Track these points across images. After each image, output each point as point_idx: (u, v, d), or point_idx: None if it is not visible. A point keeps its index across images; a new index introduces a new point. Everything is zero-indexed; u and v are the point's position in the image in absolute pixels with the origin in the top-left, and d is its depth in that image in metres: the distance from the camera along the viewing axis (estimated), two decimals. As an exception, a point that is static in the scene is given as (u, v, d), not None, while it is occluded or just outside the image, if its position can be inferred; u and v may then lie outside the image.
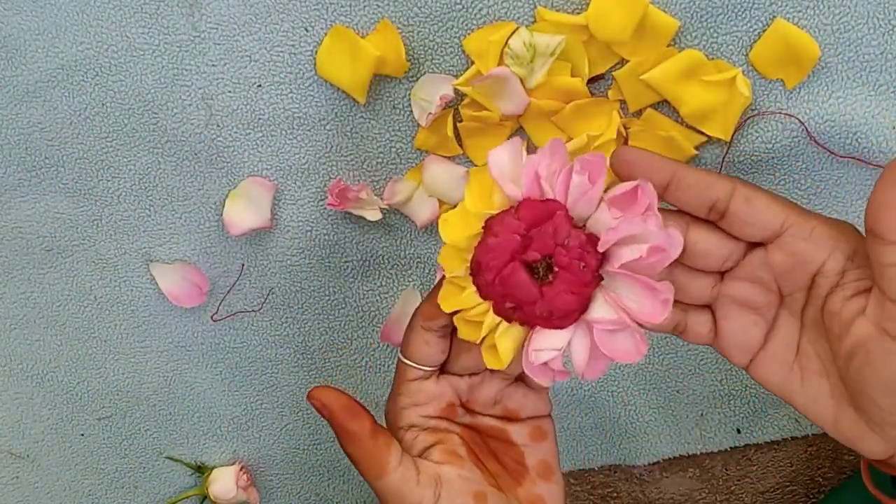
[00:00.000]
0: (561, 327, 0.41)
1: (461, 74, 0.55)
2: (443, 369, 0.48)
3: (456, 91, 0.55)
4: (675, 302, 0.43)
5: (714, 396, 0.64)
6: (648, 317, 0.39)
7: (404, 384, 0.47)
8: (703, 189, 0.41)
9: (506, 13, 0.54)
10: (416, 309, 0.46)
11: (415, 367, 0.46)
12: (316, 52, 0.56)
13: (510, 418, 0.48)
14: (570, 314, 0.40)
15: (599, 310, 0.40)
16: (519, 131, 0.57)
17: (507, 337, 0.42)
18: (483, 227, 0.41)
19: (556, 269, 0.40)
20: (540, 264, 0.40)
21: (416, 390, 0.47)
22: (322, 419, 0.65)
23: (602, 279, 0.40)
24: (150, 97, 0.57)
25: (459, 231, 0.41)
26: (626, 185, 0.39)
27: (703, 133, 0.56)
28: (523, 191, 0.40)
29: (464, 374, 0.47)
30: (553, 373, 0.41)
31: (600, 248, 0.39)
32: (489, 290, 0.41)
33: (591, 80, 0.56)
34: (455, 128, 0.57)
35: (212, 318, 0.62)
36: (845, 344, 0.40)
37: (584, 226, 0.41)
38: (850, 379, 0.40)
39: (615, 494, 0.67)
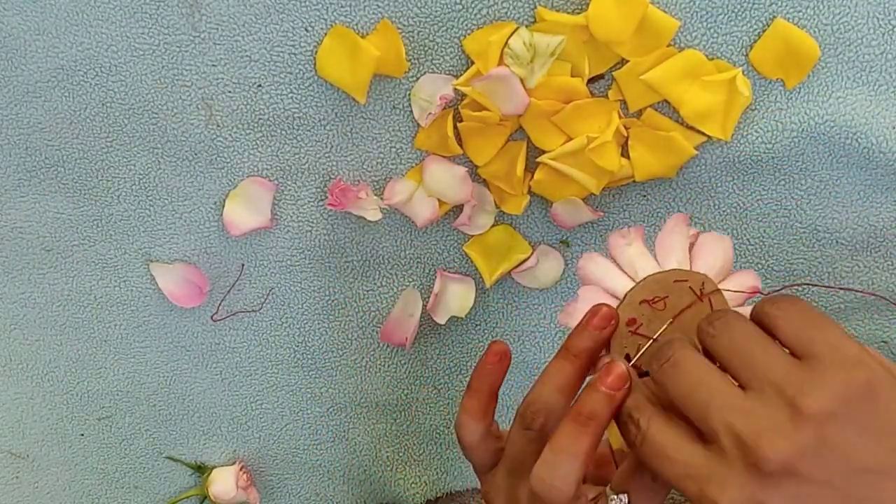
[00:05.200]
0: None
1: (461, 74, 0.55)
2: None
3: (456, 91, 0.55)
4: None
5: (714, 396, 0.64)
6: None
7: None
8: None
9: (506, 13, 0.54)
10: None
11: None
12: (316, 52, 0.56)
13: None
14: None
15: None
16: (519, 131, 0.57)
17: None
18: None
19: None
20: None
21: None
22: (321, 419, 0.65)
23: None
24: (150, 97, 0.57)
25: None
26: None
27: (703, 133, 0.56)
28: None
29: None
30: None
31: None
32: None
33: (591, 80, 0.56)
34: (455, 128, 0.57)
35: (212, 318, 0.62)
36: None
37: None
38: None
39: (615, 494, 0.67)
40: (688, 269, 0.44)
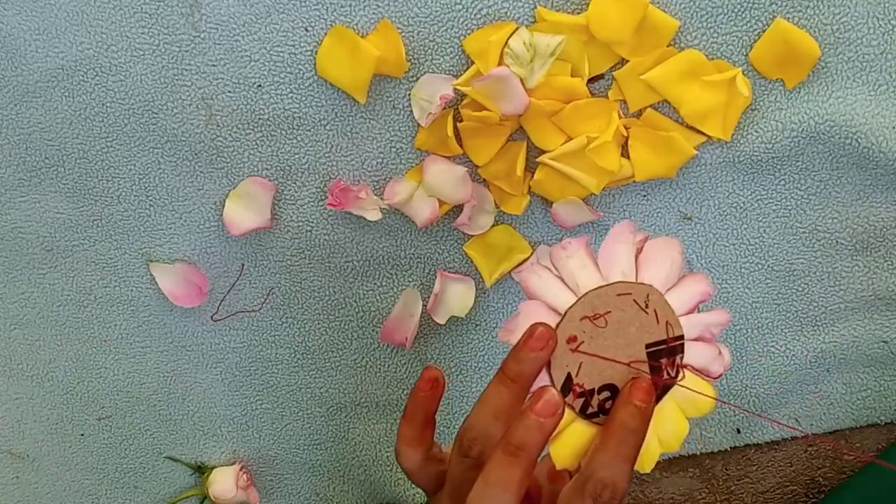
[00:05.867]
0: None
1: (461, 74, 0.55)
2: None
3: (456, 91, 0.55)
4: None
5: (714, 396, 0.64)
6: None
7: None
8: None
9: (506, 13, 0.54)
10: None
11: None
12: (316, 52, 0.56)
13: None
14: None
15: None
16: (519, 131, 0.57)
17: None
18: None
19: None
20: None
21: None
22: (321, 419, 0.65)
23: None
24: (150, 97, 0.57)
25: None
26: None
27: (703, 133, 0.56)
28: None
29: None
30: None
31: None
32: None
33: (591, 80, 0.56)
34: (455, 128, 0.57)
35: (212, 318, 0.62)
36: None
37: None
38: None
39: (615, 494, 0.67)
40: (633, 279, 0.42)
